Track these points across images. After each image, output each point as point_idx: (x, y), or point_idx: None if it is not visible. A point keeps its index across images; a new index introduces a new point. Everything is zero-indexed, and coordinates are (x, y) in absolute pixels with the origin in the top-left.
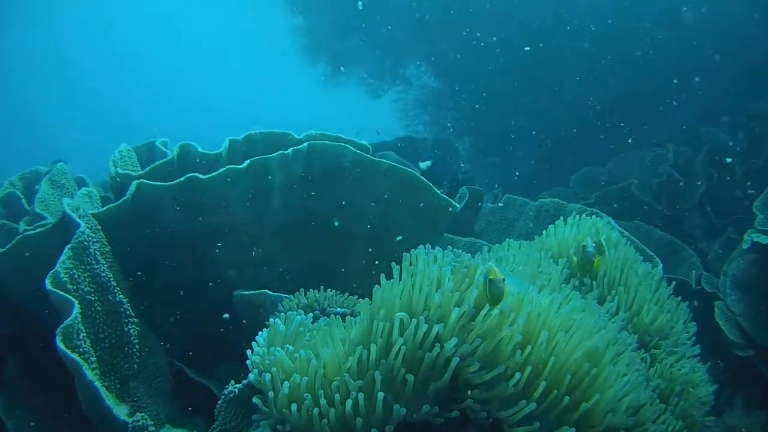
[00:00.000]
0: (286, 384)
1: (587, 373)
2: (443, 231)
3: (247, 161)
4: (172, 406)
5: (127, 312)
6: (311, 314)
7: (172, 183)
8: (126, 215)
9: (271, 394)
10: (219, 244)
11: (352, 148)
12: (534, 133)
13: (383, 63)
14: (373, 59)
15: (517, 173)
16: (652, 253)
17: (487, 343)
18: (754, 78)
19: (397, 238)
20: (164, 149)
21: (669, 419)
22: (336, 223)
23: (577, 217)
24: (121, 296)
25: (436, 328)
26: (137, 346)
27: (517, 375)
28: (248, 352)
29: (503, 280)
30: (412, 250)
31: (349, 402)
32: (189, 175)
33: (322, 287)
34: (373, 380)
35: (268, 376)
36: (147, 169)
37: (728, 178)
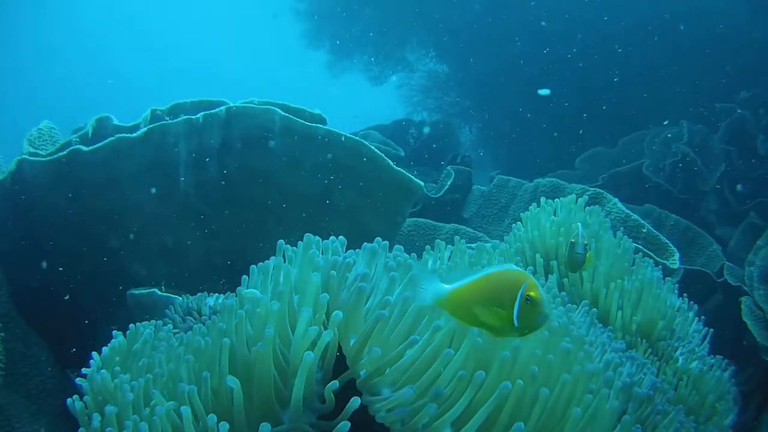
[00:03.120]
0: (95, 417)
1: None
2: (404, 214)
3: (144, 128)
4: (59, 424)
5: None
6: (169, 326)
7: (51, 158)
8: (3, 198)
9: (82, 430)
10: (108, 231)
11: (280, 111)
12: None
13: (385, 47)
14: (376, 43)
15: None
16: (666, 241)
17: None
18: None
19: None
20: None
21: None
22: (265, 203)
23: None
24: None
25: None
26: (2, 354)
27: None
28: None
29: None
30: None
31: (143, 426)
32: (71, 147)
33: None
34: (185, 395)
35: (79, 406)
36: (56, 147)
37: (750, 158)
